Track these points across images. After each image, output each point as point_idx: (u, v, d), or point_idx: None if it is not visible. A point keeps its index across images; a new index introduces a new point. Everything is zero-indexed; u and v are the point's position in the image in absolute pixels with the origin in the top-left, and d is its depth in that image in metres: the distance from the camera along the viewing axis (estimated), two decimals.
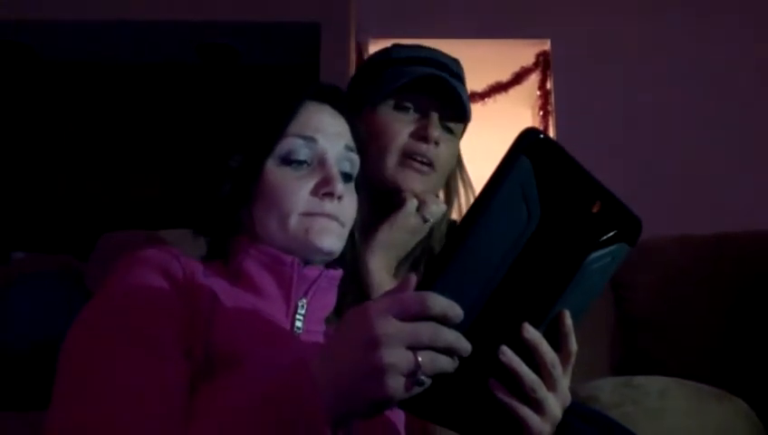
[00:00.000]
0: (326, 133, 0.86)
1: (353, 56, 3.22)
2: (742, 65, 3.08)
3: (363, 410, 0.57)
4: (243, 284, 0.81)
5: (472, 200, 1.15)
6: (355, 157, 0.89)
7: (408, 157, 1.07)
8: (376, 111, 1.07)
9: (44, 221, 3.69)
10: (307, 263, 0.83)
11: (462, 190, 1.17)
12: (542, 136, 0.56)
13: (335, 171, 0.84)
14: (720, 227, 1.62)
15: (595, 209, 0.59)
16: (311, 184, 0.83)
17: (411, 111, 1.09)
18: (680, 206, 2.73)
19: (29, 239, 3.50)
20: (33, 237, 3.55)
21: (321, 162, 0.84)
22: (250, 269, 0.81)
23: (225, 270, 0.83)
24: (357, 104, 1.06)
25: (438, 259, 0.57)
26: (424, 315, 0.55)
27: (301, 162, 0.84)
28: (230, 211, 0.85)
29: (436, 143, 1.07)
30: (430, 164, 1.08)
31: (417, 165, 1.07)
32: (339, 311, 0.90)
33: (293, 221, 0.81)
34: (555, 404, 0.62)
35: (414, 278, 0.58)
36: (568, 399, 0.64)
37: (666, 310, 1.53)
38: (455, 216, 1.16)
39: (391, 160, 1.07)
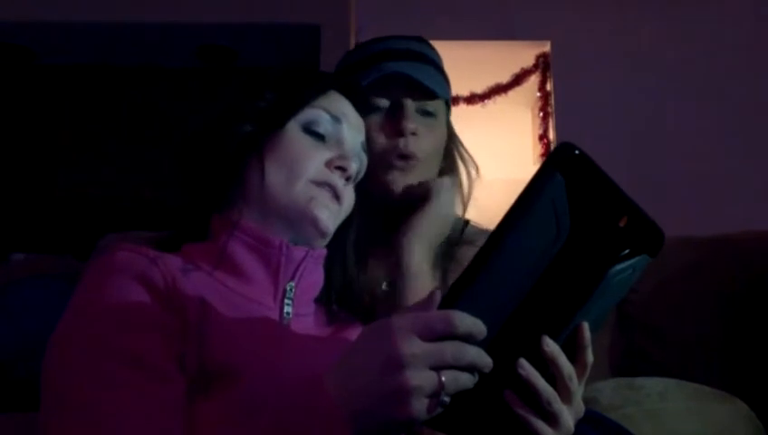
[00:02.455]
0: (350, 122, 0.89)
1: None
2: (743, 66, 3.08)
3: (384, 430, 0.56)
4: (225, 267, 0.79)
5: (474, 174, 1.13)
6: (365, 158, 0.91)
7: (388, 157, 1.05)
8: None
9: (44, 222, 3.69)
10: (295, 243, 0.82)
11: (461, 167, 1.14)
12: (577, 152, 0.56)
13: (351, 153, 0.87)
14: (721, 229, 1.62)
15: (622, 223, 0.59)
16: (326, 156, 0.84)
17: (385, 108, 1.07)
18: (681, 207, 2.72)
19: (28, 240, 3.49)
20: (32, 239, 3.55)
21: (338, 142, 0.86)
22: (235, 252, 0.79)
23: (205, 252, 0.80)
24: None
25: (465, 275, 0.56)
26: (449, 335, 0.54)
27: (320, 136, 0.85)
28: (242, 155, 0.84)
29: (414, 134, 1.05)
30: (412, 156, 1.06)
31: (398, 163, 1.05)
32: (326, 294, 0.89)
33: (301, 184, 0.81)
34: (569, 417, 0.61)
35: (438, 295, 0.57)
36: (582, 411, 0.64)
37: (666, 311, 1.53)
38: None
39: (372, 165, 1.04)
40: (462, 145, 1.17)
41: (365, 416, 0.55)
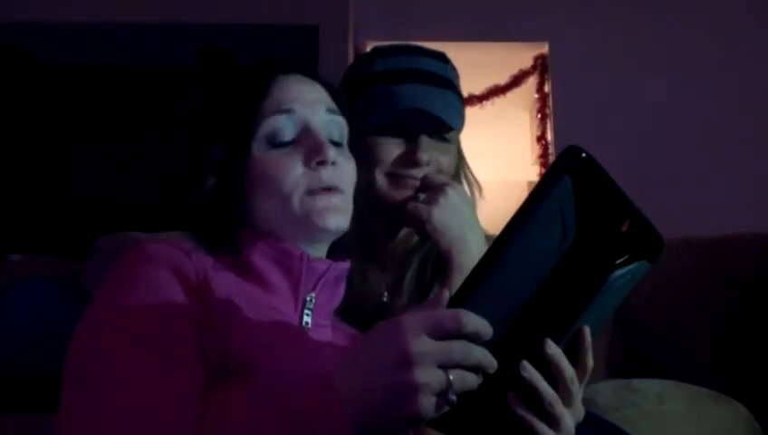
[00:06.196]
0: (303, 101, 0.84)
1: (352, 58, 3.21)
2: (743, 67, 3.08)
3: (391, 428, 0.56)
4: (251, 277, 0.80)
5: (477, 195, 1.14)
6: (340, 119, 0.87)
7: (401, 178, 1.06)
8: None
9: (42, 223, 3.68)
10: (315, 249, 0.82)
11: (465, 188, 1.15)
12: (584, 155, 0.57)
13: (322, 137, 0.82)
14: (719, 230, 1.62)
15: (624, 228, 0.59)
16: (301, 157, 0.81)
17: (399, 132, 1.07)
18: (679, 208, 2.72)
19: (26, 241, 3.49)
20: (30, 239, 3.54)
21: (305, 132, 0.82)
22: (258, 263, 0.80)
23: (232, 262, 0.81)
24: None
25: (473, 275, 0.56)
26: (457, 334, 0.55)
27: (287, 143, 0.82)
28: (220, 206, 0.82)
29: (428, 164, 1.06)
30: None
31: (409, 181, 1.06)
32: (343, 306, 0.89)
33: (296, 202, 0.80)
34: (570, 420, 0.62)
35: (447, 294, 0.57)
36: (581, 414, 0.65)
37: (664, 313, 1.53)
38: None
39: (380, 180, 1.06)
40: (468, 167, 1.17)
41: (373, 412, 0.55)
